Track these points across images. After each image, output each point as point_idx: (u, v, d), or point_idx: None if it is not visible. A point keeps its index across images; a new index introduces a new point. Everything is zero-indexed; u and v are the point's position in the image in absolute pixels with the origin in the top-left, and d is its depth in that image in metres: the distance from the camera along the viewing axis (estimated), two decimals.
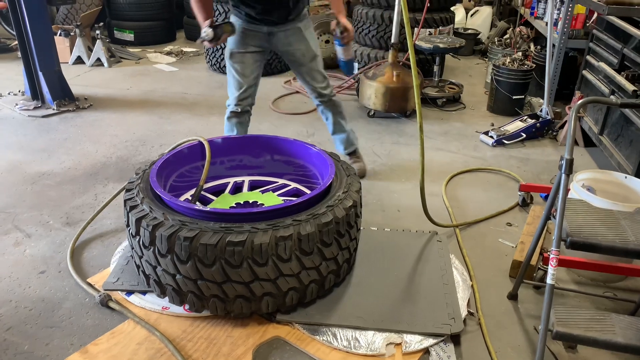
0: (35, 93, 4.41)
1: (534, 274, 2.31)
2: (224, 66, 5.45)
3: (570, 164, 1.73)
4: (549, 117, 4.01)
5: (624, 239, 1.70)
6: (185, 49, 6.56)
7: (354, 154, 3.32)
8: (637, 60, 3.05)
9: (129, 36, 6.63)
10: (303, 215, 1.97)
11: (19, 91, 4.72)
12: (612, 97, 3.22)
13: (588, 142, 3.79)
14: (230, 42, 2.85)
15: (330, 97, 3.07)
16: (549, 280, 1.73)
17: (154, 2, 6.66)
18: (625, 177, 2.47)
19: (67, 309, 2.14)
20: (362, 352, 1.91)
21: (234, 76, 2.93)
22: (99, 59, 5.75)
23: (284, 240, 1.88)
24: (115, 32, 6.65)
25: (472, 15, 6.91)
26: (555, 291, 2.17)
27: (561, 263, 2.25)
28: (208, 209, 2.00)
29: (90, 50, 5.79)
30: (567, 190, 1.74)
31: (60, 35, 5.76)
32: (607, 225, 1.79)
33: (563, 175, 1.74)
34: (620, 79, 3.10)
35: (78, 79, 5.22)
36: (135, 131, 3.99)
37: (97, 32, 5.67)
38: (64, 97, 4.44)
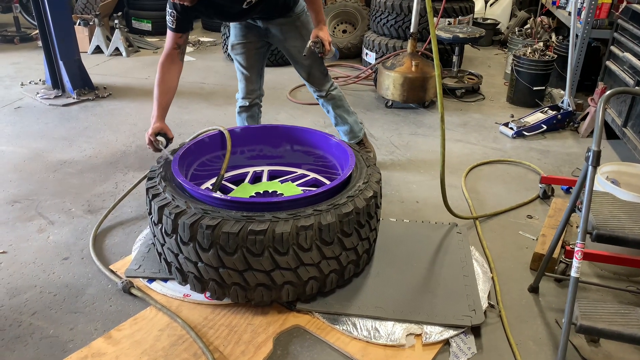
0: (56, 82, 4.46)
1: (556, 267, 2.29)
2: None
3: (597, 155, 1.70)
4: (570, 109, 3.95)
5: None
6: (202, 39, 6.57)
7: (360, 144, 3.26)
8: None
9: (147, 26, 6.66)
10: (324, 205, 1.97)
11: (40, 80, 4.78)
12: (638, 88, 3.15)
13: (610, 135, 3.73)
14: (232, 34, 2.83)
15: (329, 92, 2.99)
16: (573, 273, 1.71)
17: None
18: None
19: (91, 295, 2.17)
20: (382, 342, 1.92)
21: (238, 69, 2.92)
22: (117, 49, 5.79)
23: (305, 229, 1.88)
24: (133, 21, 6.68)
25: (491, 4, 6.80)
26: (580, 287, 2.16)
27: (585, 257, 2.22)
28: (230, 197, 2.01)
29: (108, 39, 5.83)
30: (593, 182, 1.71)
31: (79, 24, 5.81)
32: (634, 218, 1.76)
33: (590, 167, 1.71)
34: None
35: (97, 68, 5.26)
36: None
37: (116, 21, 5.70)
38: (84, 86, 4.48)
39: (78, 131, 3.81)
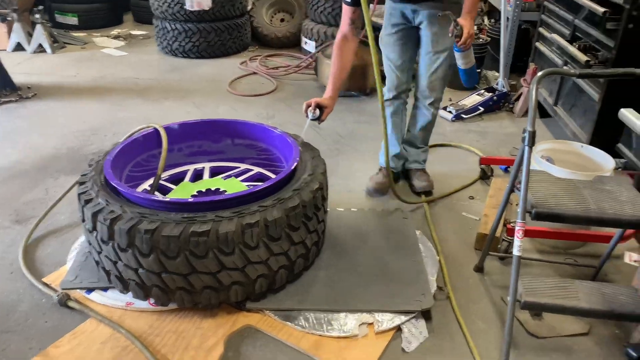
0: None
1: (499, 246, 2.35)
2: (176, 49, 5.29)
3: (532, 136, 1.74)
4: (505, 90, 4.08)
5: (586, 207, 1.74)
6: (133, 32, 6.28)
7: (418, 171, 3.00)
8: (588, 31, 3.11)
9: (73, 20, 6.28)
10: (269, 201, 1.91)
11: None
12: (567, 67, 3.28)
13: (543, 114, 3.88)
14: (385, 25, 2.69)
15: (434, 104, 2.75)
16: (515, 252, 1.75)
17: None
18: (582, 146, 2.53)
19: (23, 312, 2.02)
20: (335, 335, 1.90)
21: (387, 60, 2.76)
22: (40, 45, 5.42)
23: (251, 227, 1.82)
24: (57, 15, 6.28)
25: None
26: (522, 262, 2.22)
27: (525, 234, 2.30)
28: (168, 199, 1.91)
29: (30, 35, 5.45)
30: (529, 163, 1.75)
31: None
32: (569, 194, 1.82)
33: (526, 148, 1.75)
34: (573, 49, 3.16)
35: (19, 67, 4.91)
36: (86, 120, 3.80)
37: (37, 16, 5.33)
38: (5, 87, 4.17)
39: (1, 135, 3.54)
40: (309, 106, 2.35)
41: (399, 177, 3.05)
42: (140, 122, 2.38)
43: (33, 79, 4.57)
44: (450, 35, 2.39)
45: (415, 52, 2.71)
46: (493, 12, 5.27)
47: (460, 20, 2.37)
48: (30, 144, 3.42)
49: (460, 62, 2.57)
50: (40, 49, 5.43)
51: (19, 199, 2.80)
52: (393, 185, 2.66)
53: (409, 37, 2.66)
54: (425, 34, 2.58)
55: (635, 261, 2.06)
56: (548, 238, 2.31)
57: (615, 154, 2.77)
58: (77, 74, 4.80)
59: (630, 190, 1.87)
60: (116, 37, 6.04)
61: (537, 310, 1.80)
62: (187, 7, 5.04)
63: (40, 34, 5.36)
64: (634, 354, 1.77)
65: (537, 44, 3.96)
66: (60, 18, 6.28)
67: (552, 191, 1.83)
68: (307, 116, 2.35)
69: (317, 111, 2.34)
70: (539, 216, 1.71)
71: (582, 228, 2.33)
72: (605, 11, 2.81)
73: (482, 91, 4.12)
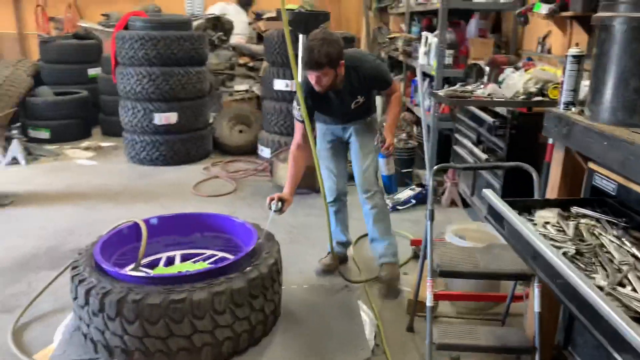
0: None
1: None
2: (144, 158, 5.85)
3: (432, 213, 2.34)
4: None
5: (475, 265, 2.29)
6: (102, 144, 6.83)
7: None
8: (487, 136, 3.91)
9: (45, 134, 6.79)
10: (234, 273, 2.38)
11: None
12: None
13: (465, 204, 4.58)
14: (319, 142, 3.28)
15: (375, 196, 3.19)
16: (428, 303, 2.25)
17: (70, 101, 6.97)
18: (485, 225, 3.16)
19: None
20: None
21: (325, 170, 3.30)
22: (14, 158, 5.87)
23: (219, 295, 2.26)
24: (30, 130, 6.80)
25: None
26: (442, 319, 2.73)
27: (442, 297, 2.83)
28: (152, 274, 2.35)
29: (5, 149, 5.90)
30: (432, 233, 2.33)
31: None
32: (466, 257, 2.38)
33: (428, 222, 2.33)
34: (477, 151, 3.93)
35: None
36: (62, 222, 4.19)
37: (14, 131, 5.84)
38: None
39: None
40: (272, 200, 2.85)
41: (346, 259, 3.58)
42: (113, 223, 2.77)
43: (9, 188, 4.95)
44: (375, 143, 3.10)
45: (346, 161, 3.39)
46: (420, 121, 6.19)
47: (384, 133, 3.14)
48: (10, 245, 3.76)
49: (384, 169, 3.27)
50: (14, 162, 5.86)
51: (4, 291, 3.10)
52: (338, 267, 3.16)
53: (341, 149, 3.35)
54: (355, 143, 3.23)
55: None
56: (461, 300, 2.84)
57: None
58: (50, 183, 5.22)
59: (512, 252, 2.45)
60: (86, 149, 6.57)
61: (448, 350, 2.26)
62: (156, 121, 5.70)
63: (15, 148, 5.83)
64: None
65: (455, 147, 4.77)
66: (33, 132, 6.79)
67: (453, 256, 2.39)
68: (270, 208, 2.83)
69: (280, 203, 2.83)
70: (442, 273, 2.25)
71: (487, 290, 2.87)
72: (493, 121, 3.62)
73: (414, 186, 4.83)
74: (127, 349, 2.25)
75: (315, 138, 3.01)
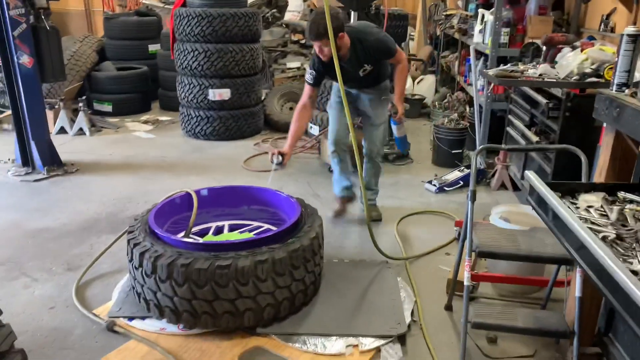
0: (26, 160, 4.84)
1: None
2: (198, 132, 6.07)
3: (473, 194, 2.33)
4: (482, 167, 4.71)
5: (515, 247, 2.28)
6: (160, 118, 7.13)
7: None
8: (541, 119, 3.79)
9: (107, 107, 7.17)
10: (276, 244, 2.48)
11: (9, 159, 5.13)
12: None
13: (515, 187, 4.47)
14: (332, 97, 3.69)
15: (378, 156, 3.75)
16: (465, 282, 2.27)
17: (131, 76, 7.30)
18: (531, 209, 3.10)
19: (78, 335, 2.53)
20: (327, 353, 2.38)
21: (332, 122, 3.71)
22: (81, 129, 6.24)
23: (262, 263, 2.38)
24: (94, 103, 7.19)
25: (418, 82, 7.81)
26: (483, 300, 2.73)
27: (482, 278, 2.83)
28: (201, 241, 2.49)
29: (72, 121, 6.29)
30: (472, 213, 2.32)
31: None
32: (507, 239, 2.37)
33: (469, 203, 2.33)
34: (529, 133, 3.82)
35: (63, 147, 5.65)
36: (122, 190, 4.45)
37: (80, 104, 6.20)
38: (53, 164, 4.88)
39: (51, 203, 4.18)
40: (273, 154, 3.15)
41: (353, 198, 3.94)
42: (167, 192, 3.00)
43: (75, 157, 5.30)
44: (388, 112, 3.62)
45: (353, 117, 3.59)
46: (473, 101, 6.05)
47: (395, 103, 3.57)
48: (75, 210, 4.05)
49: (395, 132, 3.87)
50: (80, 132, 6.24)
51: (69, 252, 3.37)
52: (377, 246, 3.20)
53: (351, 105, 3.58)
54: (368, 115, 3.65)
55: None
56: (501, 282, 2.82)
57: None
58: (112, 153, 5.54)
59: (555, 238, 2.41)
60: (145, 122, 6.88)
61: (484, 329, 2.27)
62: (210, 97, 5.89)
63: (81, 120, 6.20)
64: None
65: (508, 128, 4.65)
66: (97, 106, 7.18)
67: (493, 237, 2.38)
68: (272, 162, 3.13)
69: (280, 157, 3.13)
70: (481, 254, 2.25)
71: (531, 275, 2.84)
72: (547, 102, 3.50)
73: (463, 168, 4.76)
74: (176, 310, 2.41)
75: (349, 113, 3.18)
